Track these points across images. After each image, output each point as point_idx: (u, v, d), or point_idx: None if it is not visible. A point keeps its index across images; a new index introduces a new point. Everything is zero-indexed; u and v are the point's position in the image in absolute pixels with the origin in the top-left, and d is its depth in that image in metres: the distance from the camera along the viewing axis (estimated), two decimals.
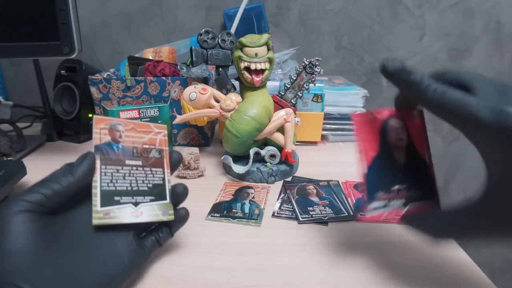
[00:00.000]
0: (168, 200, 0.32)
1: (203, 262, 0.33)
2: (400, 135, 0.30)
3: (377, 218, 0.29)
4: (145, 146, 0.32)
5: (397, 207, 0.30)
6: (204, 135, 0.66)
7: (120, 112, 0.52)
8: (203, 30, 0.55)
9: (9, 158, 0.56)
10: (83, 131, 0.68)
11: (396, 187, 0.30)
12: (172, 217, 0.31)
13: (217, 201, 0.45)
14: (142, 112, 0.54)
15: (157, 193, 0.31)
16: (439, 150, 0.99)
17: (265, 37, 0.50)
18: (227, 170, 0.54)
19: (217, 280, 0.31)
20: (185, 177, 0.52)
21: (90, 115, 0.68)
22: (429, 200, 0.30)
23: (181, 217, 0.33)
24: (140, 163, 0.31)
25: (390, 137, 0.30)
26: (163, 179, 0.32)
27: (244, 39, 0.50)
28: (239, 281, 0.31)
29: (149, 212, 0.30)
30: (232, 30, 0.73)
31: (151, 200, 0.30)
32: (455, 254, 0.35)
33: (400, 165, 0.30)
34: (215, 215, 0.42)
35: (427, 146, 0.30)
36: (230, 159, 0.52)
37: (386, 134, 0.30)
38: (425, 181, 0.30)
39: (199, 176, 0.53)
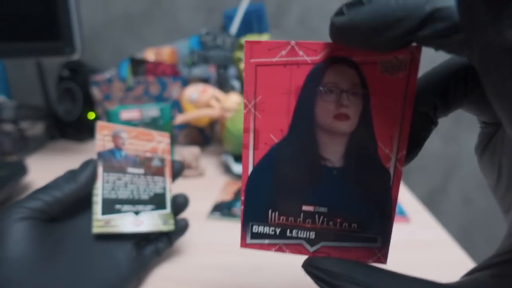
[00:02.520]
0: (169, 210, 0.32)
1: (204, 261, 0.34)
2: (345, 105, 0.15)
3: (266, 248, 0.17)
4: (147, 154, 0.32)
5: (298, 243, 0.17)
6: (205, 135, 0.67)
7: (122, 112, 0.53)
8: (203, 31, 0.55)
9: (11, 158, 0.56)
10: (85, 131, 0.69)
11: (308, 207, 0.16)
12: (172, 227, 0.31)
13: (218, 201, 0.46)
14: (144, 112, 0.54)
15: (158, 202, 0.31)
16: (436, 149, 1.00)
17: (265, 38, 0.51)
18: (227, 170, 0.55)
19: (217, 279, 0.32)
20: (185, 177, 0.52)
21: (92, 116, 0.69)
22: (369, 243, 0.16)
23: (181, 228, 0.33)
24: (142, 171, 0.31)
25: (319, 107, 0.15)
26: (165, 189, 0.32)
27: (244, 40, 0.51)
28: (239, 280, 0.31)
29: (149, 221, 0.30)
30: (233, 31, 0.74)
31: (152, 209, 0.30)
32: (456, 254, 0.35)
33: (328, 169, 0.16)
34: (216, 214, 0.42)
35: (404, 138, 0.15)
36: (230, 158, 0.52)
37: (312, 100, 0.15)
38: (373, 207, 0.16)
39: (199, 176, 0.53)
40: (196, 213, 0.42)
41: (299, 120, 0.15)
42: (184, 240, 0.37)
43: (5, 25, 0.56)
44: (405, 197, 0.46)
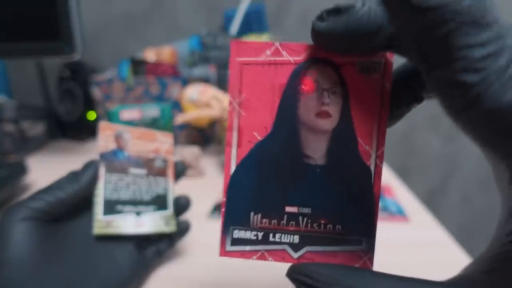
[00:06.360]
0: (171, 211, 0.31)
1: (204, 261, 0.34)
2: (326, 103, 0.15)
3: (247, 256, 0.16)
4: (150, 155, 0.31)
5: (282, 249, 0.16)
6: (205, 135, 0.67)
7: (122, 112, 0.53)
8: (204, 31, 0.55)
9: (11, 158, 0.56)
10: (85, 132, 0.69)
11: (291, 208, 0.16)
12: (174, 228, 0.31)
13: (218, 201, 0.46)
14: (144, 112, 0.54)
15: (160, 203, 0.31)
16: (436, 149, 1.00)
17: (265, 38, 0.51)
18: None
19: (217, 279, 0.32)
20: (185, 177, 0.53)
21: (93, 116, 0.69)
22: (354, 246, 0.16)
23: (183, 229, 0.33)
24: (144, 172, 0.31)
25: (302, 105, 0.15)
26: (167, 190, 0.32)
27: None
28: (240, 280, 0.31)
29: (151, 222, 0.30)
30: (233, 31, 0.74)
31: (154, 210, 0.30)
32: (455, 254, 0.35)
33: (311, 167, 0.16)
34: (216, 214, 0.42)
35: (382, 135, 0.15)
36: None
37: (295, 98, 0.15)
38: (356, 206, 0.16)
39: (199, 176, 0.53)
40: (197, 213, 0.43)
41: (282, 117, 0.16)
42: (185, 240, 0.37)
43: (6, 25, 0.56)
44: (405, 197, 0.46)
